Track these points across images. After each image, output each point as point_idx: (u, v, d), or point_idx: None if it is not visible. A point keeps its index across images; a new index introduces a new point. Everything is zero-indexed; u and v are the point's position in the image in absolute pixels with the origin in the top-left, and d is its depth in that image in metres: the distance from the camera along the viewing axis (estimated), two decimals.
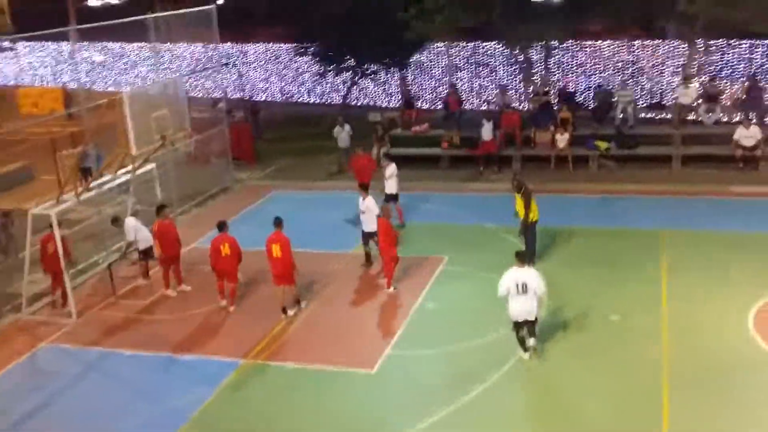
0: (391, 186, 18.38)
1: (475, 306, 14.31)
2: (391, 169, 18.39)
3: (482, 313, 13.91)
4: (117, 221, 16.48)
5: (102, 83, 39.35)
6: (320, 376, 12.25)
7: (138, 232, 15.89)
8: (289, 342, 13.44)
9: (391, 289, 15.05)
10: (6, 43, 39.27)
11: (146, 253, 16.02)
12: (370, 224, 15.80)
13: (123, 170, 16.15)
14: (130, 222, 15.97)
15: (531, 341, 12.21)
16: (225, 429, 11.15)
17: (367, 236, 16.04)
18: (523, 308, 11.84)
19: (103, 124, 15.07)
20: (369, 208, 15.79)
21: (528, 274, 11.88)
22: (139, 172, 16.42)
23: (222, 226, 14.85)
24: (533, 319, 11.99)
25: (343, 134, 23.28)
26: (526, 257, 12.43)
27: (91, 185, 15.64)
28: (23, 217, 15.63)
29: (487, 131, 22.31)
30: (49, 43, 40.37)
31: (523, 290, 11.75)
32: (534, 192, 15.74)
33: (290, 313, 14.32)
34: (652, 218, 17.89)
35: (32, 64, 42.80)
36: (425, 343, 13.02)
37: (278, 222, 14.31)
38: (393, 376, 12.15)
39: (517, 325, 12.08)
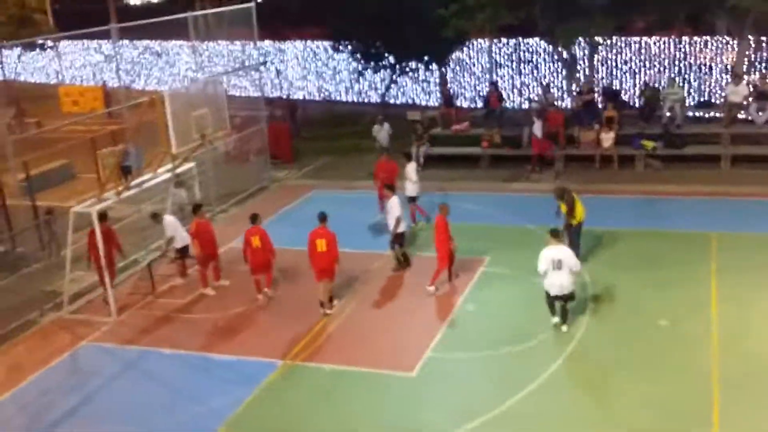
0: (412, 188, 18.28)
1: (516, 309, 14.02)
2: (413, 170, 18.33)
3: (524, 316, 13.64)
4: (156, 217, 16.49)
5: (142, 82, 39.76)
6: (360, 378, 12.07)
7: (177, 230, 15.88)
8: (327, 343, 13.27)
9: (432, 288, 14.80)
10: (48, 42, 39.81)
11: (183, 252, 16.00)
12: (390, 225, 15.80)
13: (163, 169, 16.15)
14: (169, 219, 15.96)
15: (563, 327, 12.90)
16: (264, 430, 11.00)
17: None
18: (557, 282, 12.63)
19: (143, 122, 15.02)
20: (391, 207, 15.72)
21: (563, 252, 12.66)
22: (179, 170, 16.40)
23: (254, 219, 14.92)
24: (567, 293, 12.71)
25: (382, 133, 23.09)
26: (561, 235, 13.27)
27: (131, 184, 15.64)
28: (65, 215, 15.69)
29: (538, 129, 21.87)
30: (90, 41, 40.88)
31: (558, 267, 12.54)
32: (576, 192, 15.46)
33: (327, 311, 14.19)
34: (701, 220, 17.39)
35: (73, 63, 43.43)
36: (466, 346, 12.76)
37: (323, 217, 14.29)
38: (434, 379, 11.90)
39: (550, 297, 12.88)
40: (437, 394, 11.52)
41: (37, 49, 41.78)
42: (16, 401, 12.30)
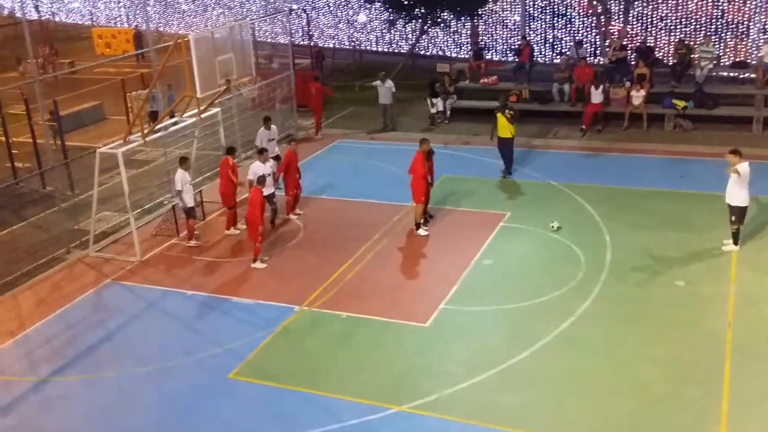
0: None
1: (532, 265, 14.06)
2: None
3: (539, 273, 13.69)
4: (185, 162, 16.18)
5: (174, 25, 39.75)
6: (374, 327, 12.27)
7: (185, 185, 15.27)
8: (344, 292, 13.44)
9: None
10: None
11: (189, 213, 15.53)
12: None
13: (188, 114, 16.26)
14: (179, 175, 15.31)
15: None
16: (280, 371, 11.26)
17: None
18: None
19: (170, 66, 15.10)
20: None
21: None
22: (204, 115, 16.50)
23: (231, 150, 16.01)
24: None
25: (382, 89, 22.75)
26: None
27: (157, 127, 15.76)
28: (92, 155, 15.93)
29: (597, 96, 21.49)
30: None
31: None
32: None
33: (418, 231, 15.38)
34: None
35: (107, 4, 43.46)
36: (480, 300, 12.86)
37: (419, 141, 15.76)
38: (446, 330, 12.05)
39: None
40: (449, 345, 11.66)
41: None
42: (40, 334, 12.72)
